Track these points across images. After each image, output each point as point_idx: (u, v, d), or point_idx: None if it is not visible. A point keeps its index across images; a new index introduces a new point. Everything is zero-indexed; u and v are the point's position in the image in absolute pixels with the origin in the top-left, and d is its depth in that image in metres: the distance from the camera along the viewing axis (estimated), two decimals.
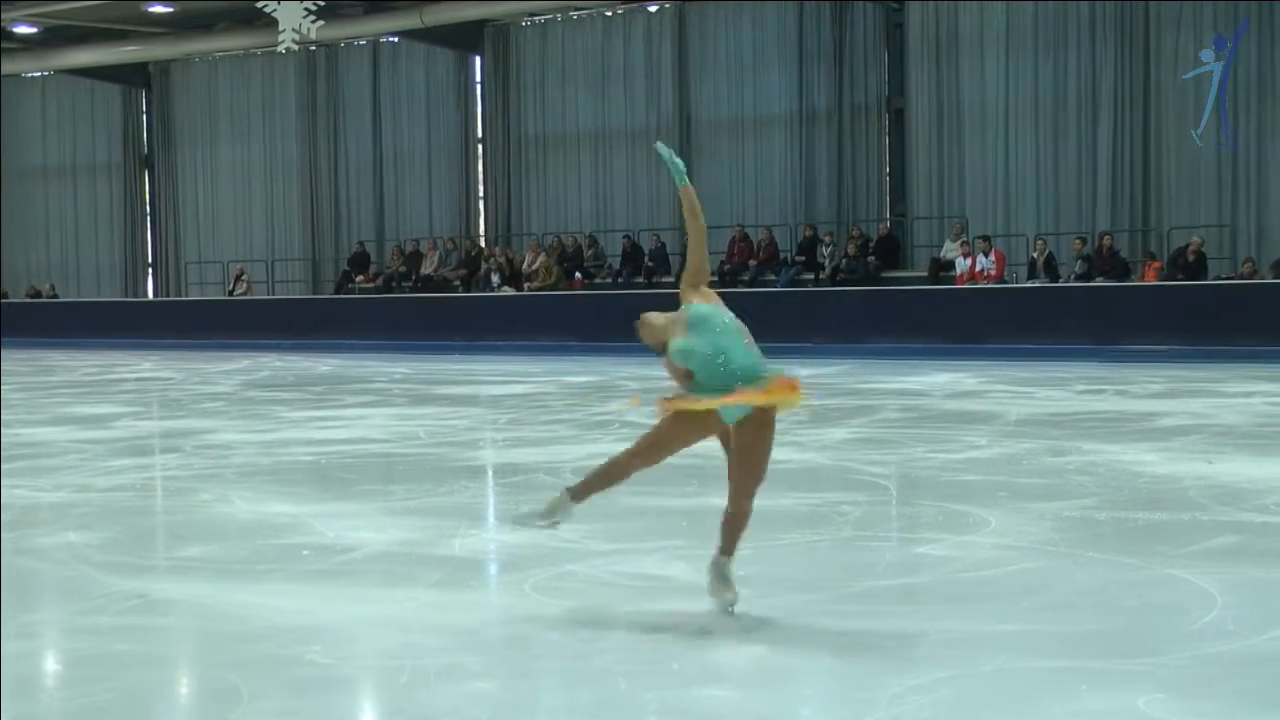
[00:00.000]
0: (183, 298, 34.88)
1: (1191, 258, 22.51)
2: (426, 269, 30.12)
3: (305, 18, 24.77)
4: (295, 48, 27.12)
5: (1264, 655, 5.07)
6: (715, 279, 29.10)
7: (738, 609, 5.72)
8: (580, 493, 5.98)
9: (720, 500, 8.45)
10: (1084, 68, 25.27)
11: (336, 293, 31.49)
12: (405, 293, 29.65)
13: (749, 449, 5.76)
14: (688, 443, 5.93)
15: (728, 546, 5.80)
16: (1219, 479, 8.92)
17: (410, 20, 30.22)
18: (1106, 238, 23.68)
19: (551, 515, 5.99)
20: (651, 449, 5.92)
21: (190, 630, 5.80)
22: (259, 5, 25.49)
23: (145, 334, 30.35)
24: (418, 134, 32.52)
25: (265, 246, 34.50)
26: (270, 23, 26.63)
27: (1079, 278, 23.28)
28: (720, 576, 5.77)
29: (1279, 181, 23.89)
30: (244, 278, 32.45)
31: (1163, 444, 10.76)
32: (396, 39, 32.06)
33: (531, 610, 5.88)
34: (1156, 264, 23.27)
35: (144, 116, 36.79)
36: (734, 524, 5.81)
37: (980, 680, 4.84)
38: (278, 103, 34.39)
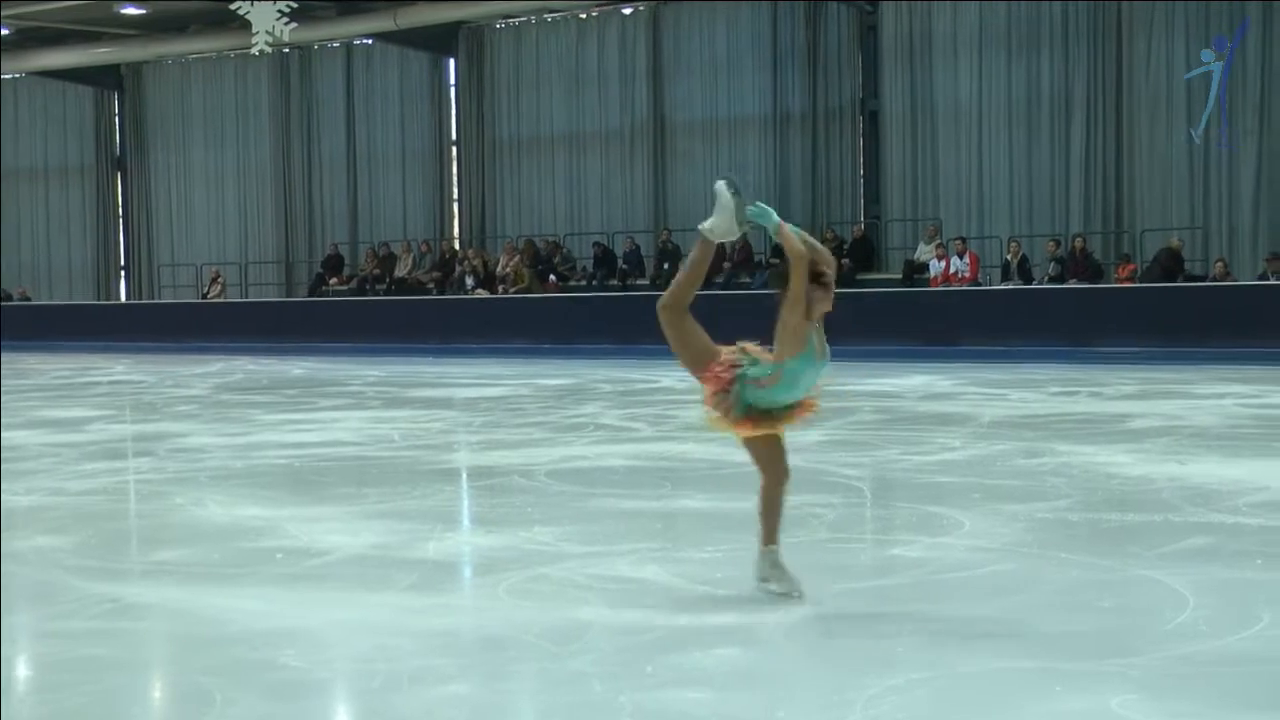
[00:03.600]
0: (156, 300, 34.76)
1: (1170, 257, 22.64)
2: (400, 271, 30.08)
3: (278, 20, 24.70)
4: (268, 50, 27.05)
5: (1236, 656, 5.09)
6: None
7: (715, 609, 5.74)
8: (768, 538, 6.01)
9: (692, 502, 8.49)
10: (1057, 70, 25.35)
11: (310, 295, 31.43)
12: (379, 295, 29.60)
13: (773, 452, 6.05)
14: (778, 437, 6.03)
15: (770, 535, 5.98)
16: (1191, 480, 8.95)
17: (384, 22, 30.16)
18: (1079, 239, 23.76)
19: (776, 575, 5.96)
20: (770, 463, 6.07)
21: (163, 634, 5.78)
22: (232, 7, 25.41)
23: (118, 337, 30.22)
24: (391, 136, 32.48)
25: (238, 249, 34.41)
26: (243, 25, 26.55)
27: (1052, 280, 23.36)
28: (773, 565, 5.94)
29: (1250, 182, 23.99)
30: (220, 280, 32.36)
31: (1136, 445, 10.80)
32: (370, 41, 32.02)
33: (506, 613, 5.87)
34: (1130, 265, 23.36)
35: (116, 118, 36.67)
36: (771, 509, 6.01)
37: (955, 681, 4.85)
38: (251, 105, 34.31)
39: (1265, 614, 5.57)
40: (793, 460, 10.24)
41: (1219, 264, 22.51)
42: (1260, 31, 23.74)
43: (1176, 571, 6.34)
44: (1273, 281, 21.43)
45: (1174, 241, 23.05)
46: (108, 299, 36.32)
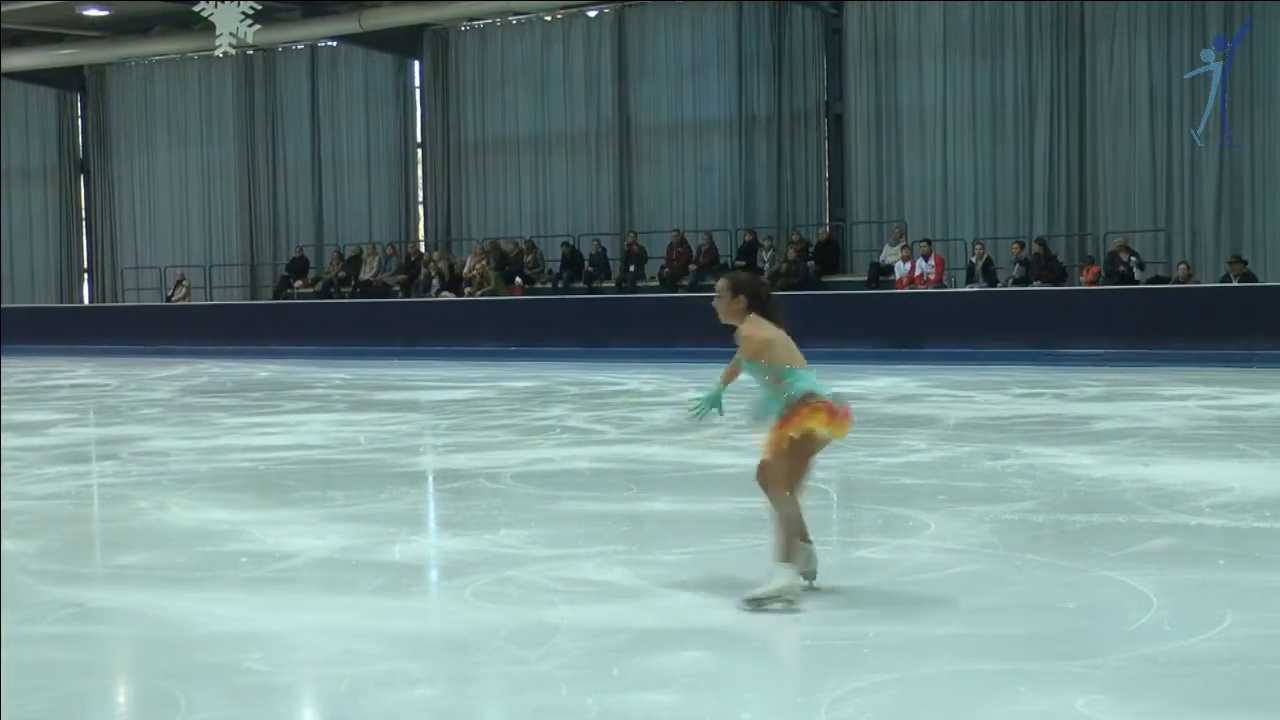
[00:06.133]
0: (119, 303, 34.57)
1: (1125, 256, 22.73)
2: (366, 274, 30.00)
3: (242, 21, 24.60)
4: (232, 52, 26.95)
5: (1199, 656, 5.11)
6: (656, 283, 28.96)
7: (681, 611, 5.75)
8: (787, 554, 5.94)
9: (658, 505, 8.50)
10: (1021, 72, 25.45)
11: (275, 298, 31.32)
12: (344, 298, 29.51)
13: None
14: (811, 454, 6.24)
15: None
16: (1155, 481, 8.99)
17: (348, 24, 30.09)
18: (1038, 243, 23.80)
19: (787, 590, 5.88)
20: (792, 477, 6.14)
21: (127, 639, 5.75)
22: (195, 9, 25.31)
23: (81, 340, 30.07)
24: (356, 139, 32.40)
25: (203, 252, 34.26)
26: (207, 26, 26.44)
27: (1017, 282, 23.45)
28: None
29: (1212, 185, 24.12)
30: (184, 283, 32.23)
31: (1100, 447, 10.84)
32: (335, 43, 31.94)
33: (472, 616, 5.86)
34: (1094, 268, 23.47)
35: (79, 121, 36.49)
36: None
37: (920, 683, 4.85)
38: (215, 107, 34.17)
39: (1228, 614, 5.60)
40: (758, 462, 10.28)
41: (1182, 266, 22.64)
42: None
43: (1140, 572, 6.36)
44: (1235, 284, 21.55)
45: (1116, 241, 23.21)
46: (71, 302, 36.12)
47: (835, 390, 6.18)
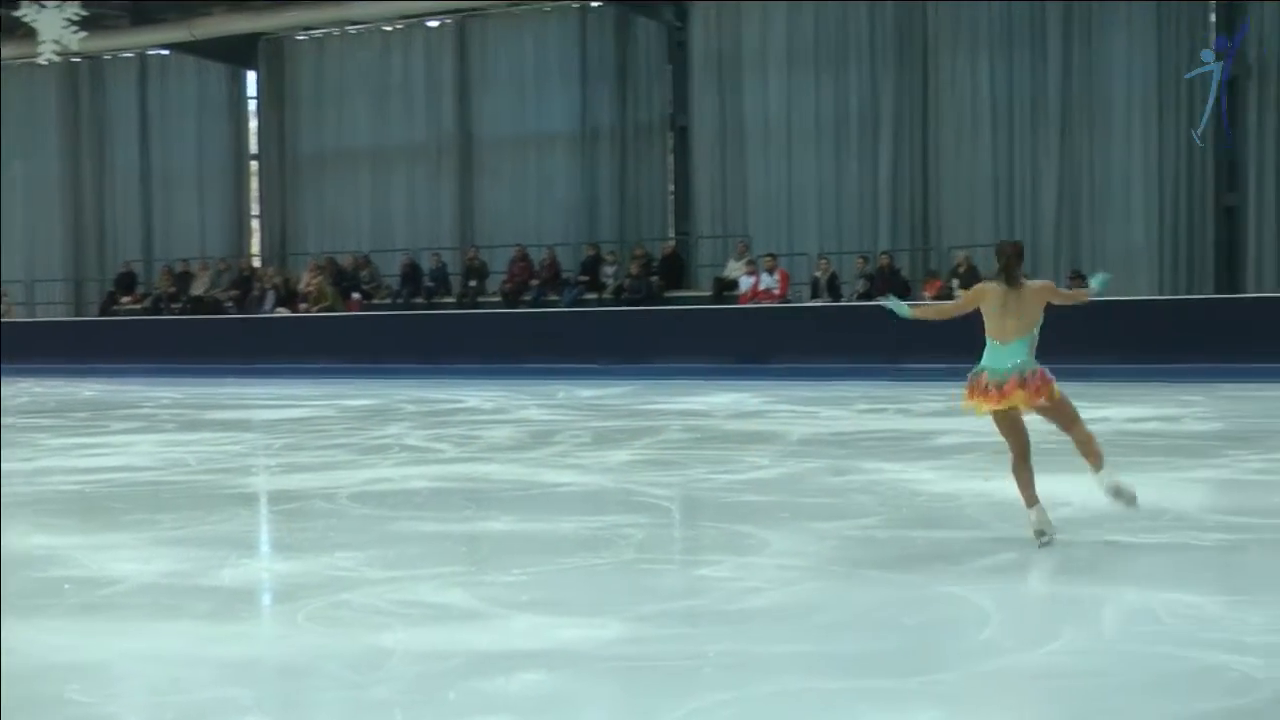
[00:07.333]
0: None
1: (962, 270, 23.05)
2: (197, 290, 29.43)
3: (66, 28, 24.02)
4: (56, 59, 26.27)
5: (1038, 670, 5.14)
6: (497, 298, 28.67)
7: (519, 633, 5.65)
8: (1030, 500, 7.52)
9: (497, 524, 8.39)
10: (864, 86, 25.67)
11: (101, 314, 30.56)
12: (175, 314, 28.91)
13: (1057, 405, 7.79)
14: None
15: (1099, 461, 7.52)
16: (996, 496, 9.04)
17: (179, 33, 29.49)
18: (885, 256, 24.10)
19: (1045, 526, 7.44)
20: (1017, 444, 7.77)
21: None
22: (16, 14, 24.65)
23: None
24: (188, 150, 31.77)
25: (25, 266, 33.25)
26: (29, 32, 25.75)
27: (861, 296, 23.63)
28: (1114, 481, 7.47)
29: (1052, 200, 24.50)
30: (4, 298, 31.33)
31: (942, 462, 10.92)
32: (165, 52, 31.30)
33: (305, 641, 5.73)
34: (937, 282, 23.74)
35: None
36: (1088, 444, 7.59)
37: (761, 702, 4.81)
38: (37, 116, 33.28)
39: (1066, 629, 5.63)
40: (600, 480, 10.24)
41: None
42: (1062, 51, 24.27)
43: (981, 587, 6.39)
44: None
45: (958, 256, 23.58)
46: None
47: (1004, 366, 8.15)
